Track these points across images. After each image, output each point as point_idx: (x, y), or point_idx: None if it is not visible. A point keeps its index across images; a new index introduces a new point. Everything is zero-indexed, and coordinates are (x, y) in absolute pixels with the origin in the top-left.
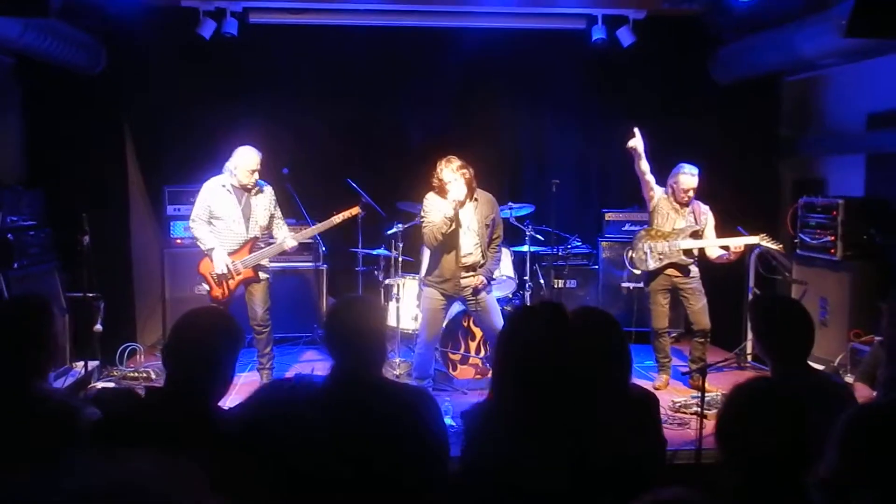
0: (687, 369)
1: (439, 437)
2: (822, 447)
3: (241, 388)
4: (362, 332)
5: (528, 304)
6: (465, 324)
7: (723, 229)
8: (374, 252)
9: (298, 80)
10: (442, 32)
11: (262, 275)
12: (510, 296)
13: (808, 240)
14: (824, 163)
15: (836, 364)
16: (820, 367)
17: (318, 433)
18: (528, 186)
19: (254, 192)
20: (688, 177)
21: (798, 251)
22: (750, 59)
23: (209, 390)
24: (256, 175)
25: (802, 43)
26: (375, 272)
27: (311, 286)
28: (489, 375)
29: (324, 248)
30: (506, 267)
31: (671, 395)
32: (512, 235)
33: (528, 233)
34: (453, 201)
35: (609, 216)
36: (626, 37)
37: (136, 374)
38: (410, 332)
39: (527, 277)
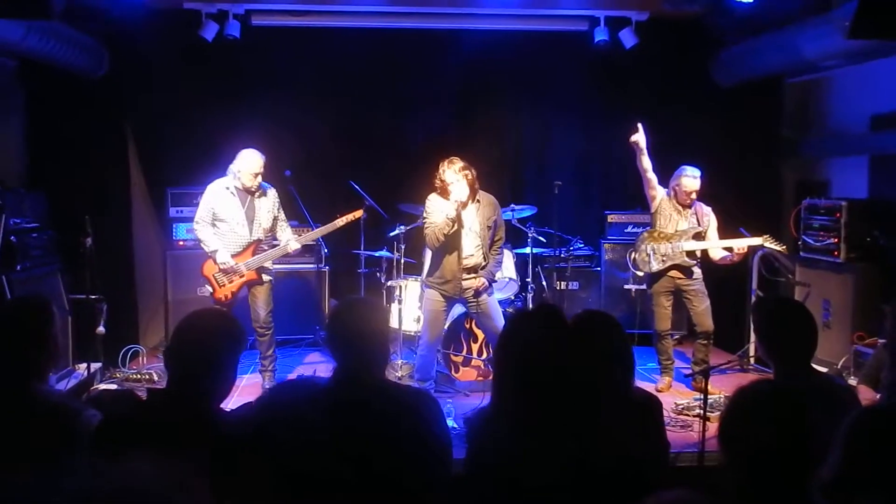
0: (690, 371)
1: (441, 438)
2: (825, 449)
3: (244, 389)
4: (364, 334)
5: (529, 306)
6: (468, 326)
7: (725, 231)
8: (377, 254)
9: (300, 82)
10: (444, 34)
11: (265, 277)
12: (512, 298)
13: (811, 242)
14: (827, 164)
15: (839, 366)
16: (823, 369)
17: (321, 434)
18: (531, 188)
19: (257, 194)
20: (690, 179)
21: (801, 253)
22: (752, 61)
23: (211, 392)
24: (260, 178)
25: (805, 45)
26: (377, 274)
27: (313, 288)
28: (491, 378)
29: (326, 250)
30: (508, 269)
31: (674, 397)
32: (514, 237)
33: (530, 234)
34: (455, 202)
35: (611, 218)
36: (628, 38)
37: (139, 376)
38: (412, 333)
39: (529, 279)
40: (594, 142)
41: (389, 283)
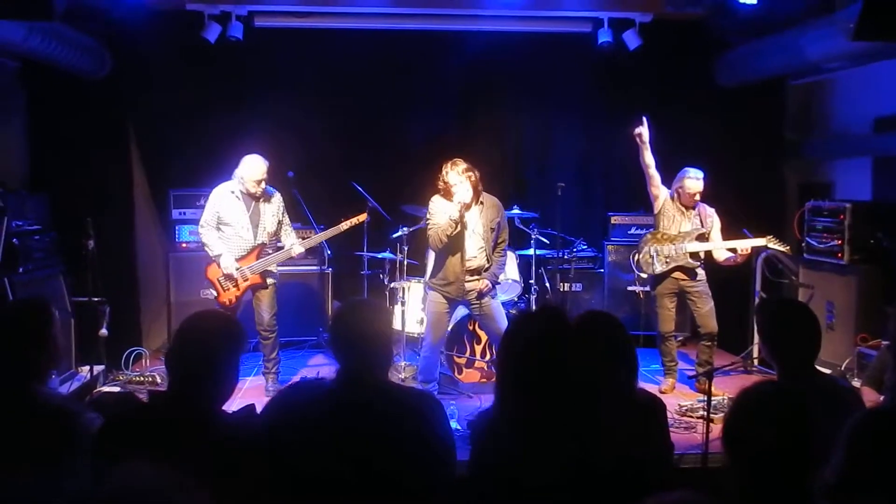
0: (693, 373)
1: (444, 440)
2: (828, 451)
3: (246, 392)
4: (368, 336)
5: (532, 308)
6: (471, 327)
7: (728, 232)
8: (380, 255)
9: (303, 83)
10: (448, 36)
11: (269, 280)
12: (515, 299)
13: (814, 243)
14: (831, 166)
15: (842, 368)
16: (827, 371)
17: (324, 436)
18: (534, 189)
19: (262, 199)
20: (693, 181)
21: (805, 255)
22: (755, 62)
23: (212, 394)
24: (264, 184)
25: (808, 46)
26: (381, 276)
27: (316, 290)
28: (494, 379)
29: (329, 252)
30: (511, 270)
31: (677, 398)
32: (517, 239)
33: (533, 236)
34: (459, 203)
35: (615, 219)
36: (632, 40)
37: (142, 379)
38: (416, 335)
39: (532, 281)
40: (597, 143)
41: (392, 285)
